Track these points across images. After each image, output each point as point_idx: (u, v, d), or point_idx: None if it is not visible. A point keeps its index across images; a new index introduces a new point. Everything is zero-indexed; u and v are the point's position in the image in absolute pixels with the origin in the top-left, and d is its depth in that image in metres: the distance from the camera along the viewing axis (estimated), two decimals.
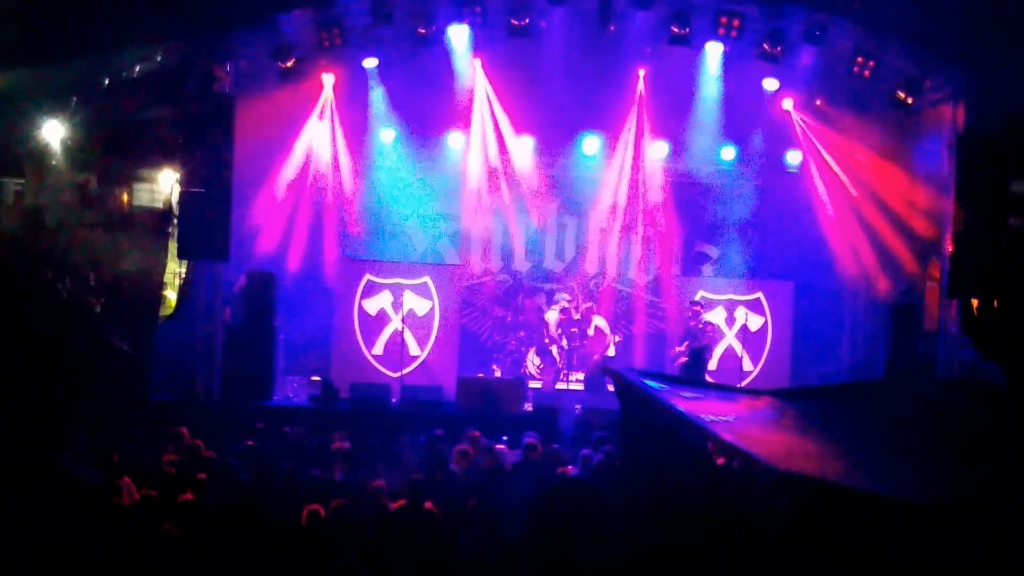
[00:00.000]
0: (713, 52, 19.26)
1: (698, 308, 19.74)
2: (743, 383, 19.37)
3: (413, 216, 21.25)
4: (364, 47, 19.13)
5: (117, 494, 10.44)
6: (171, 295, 19.36)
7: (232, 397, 17.73)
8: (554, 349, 20.46)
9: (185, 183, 17.49)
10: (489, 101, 20.43)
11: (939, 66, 17.97)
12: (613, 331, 21.17)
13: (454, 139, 20.73)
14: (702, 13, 18.10)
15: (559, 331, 20.44)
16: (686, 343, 19.35)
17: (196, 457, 12.68)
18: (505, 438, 15.36)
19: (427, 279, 20.31)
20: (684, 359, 19.18)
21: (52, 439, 12.50)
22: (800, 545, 4.37)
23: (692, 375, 18.39)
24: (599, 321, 20.51)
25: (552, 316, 20.50)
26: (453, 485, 12.11)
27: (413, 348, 19.94)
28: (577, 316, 20.55)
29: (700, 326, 19.49)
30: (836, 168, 20.15)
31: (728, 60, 19.34)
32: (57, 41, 16.45)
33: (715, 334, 20.10)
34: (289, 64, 18.16)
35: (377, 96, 20.05)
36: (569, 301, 20.81)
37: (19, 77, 16.87)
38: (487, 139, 20.69)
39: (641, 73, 20.24)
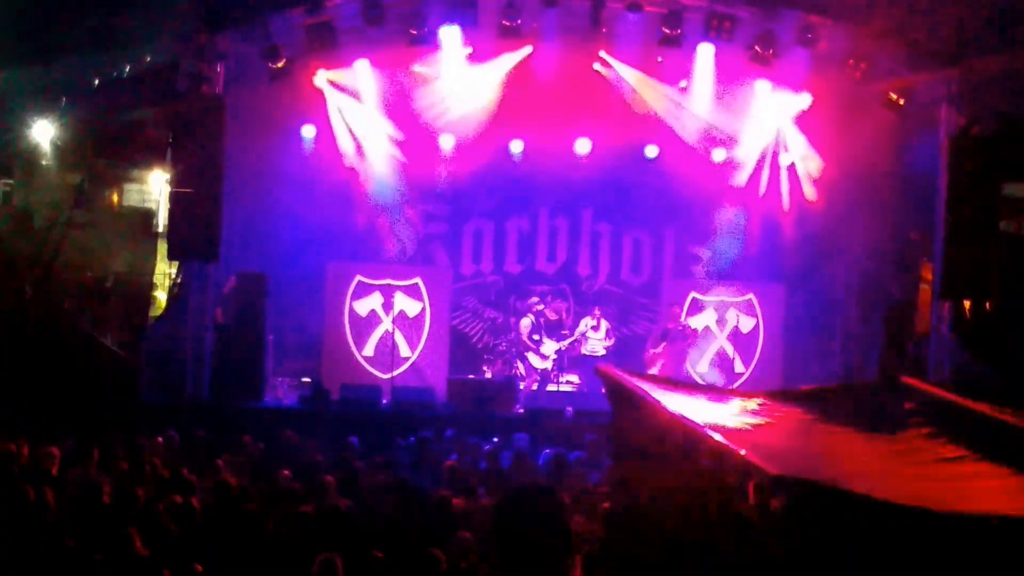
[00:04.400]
0: (705, 54, 19.22)
1: (676, 310, 19.72)
2: (735, 384, 19.34)
3: (404, 217, 21.19)
4: (355, 48, 19.05)
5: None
6: (161, 296, 19.32)
7: (222, 398, 17.67)
8: (531, 356, 20.41)
9: (175, 184, 17.43)
10: (480, 102, 20.35)
11: (931, 68, 17.96)
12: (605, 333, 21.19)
13: (445, 140, 20.66)
14: (693, 15, 18.07)
15: (534, 336, 20.40)
16: (663, 344, 19.30)
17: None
18: (496, 439, 15.32)
19: (418, 280, 20.25)
20: (663, 361, 19.14)
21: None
22: (791, 545, 4.34)
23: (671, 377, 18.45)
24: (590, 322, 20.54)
25: (525, 322, 20.47)
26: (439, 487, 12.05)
27: (404, 349, 19.88)
28: (554, 317, 20.51)
29: (679, 328, 19.47)
30: (827, 170, 20.13)
31: (720, 62, 19.30)
32: (47, 41, 16.40)
33: (693, 337, 20.01)
34: (279, 65, 18.07)
35: (368, 97, 19.96)
36: (546, 303, 20.75)
37: (9, 77, 16.83)
38: (478, 140, 20.60)
39: (633, 74, 20.20)
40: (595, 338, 20.35)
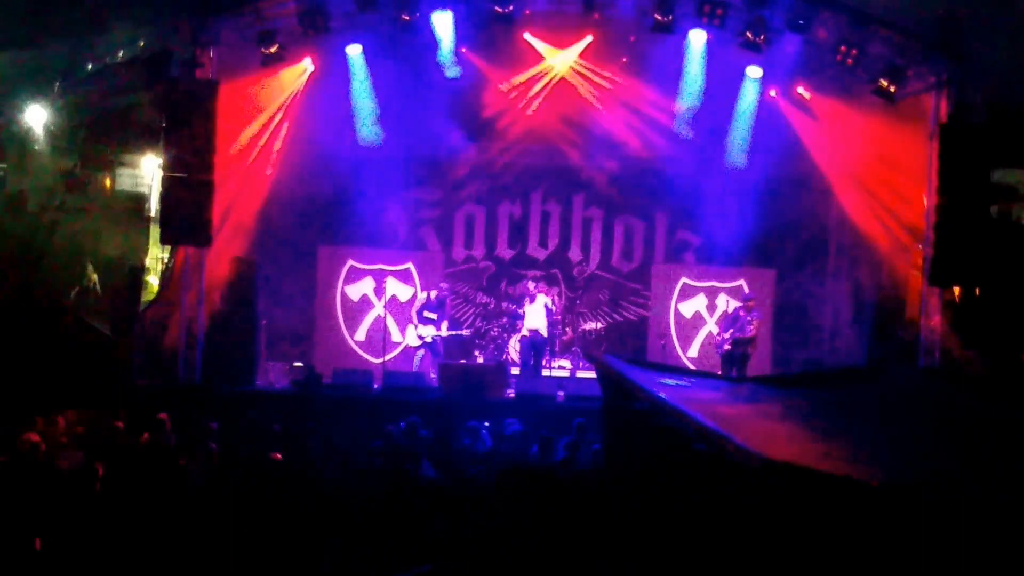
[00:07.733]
0: (696, 39, 19.23)
1: (751, 303, 19.55)
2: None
3: (396, 202, 21.19)
4: (348, 33, 19.04)
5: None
6: (153, 280, 19.33)
7: (214, 382, 17.69)
8: (409, 328, 20.06)
9: (167, 168, 17.43)
10: (472, 88, 20.35)
11: (922, 55, 18.00)
12: (595, 318, 21.19)
13: (437, 125, 20.65)
14: (685, 0, 18.09)
15: (425, 313, 20.16)
16: (731, 331, 19.26)
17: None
18: (487, 424, 15.36)
19: (410, 265, 20.28)
20: (728, 347, 19.07)
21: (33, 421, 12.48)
22: (781, 531, 4.39)
23: (730, 367, 18.49)
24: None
25: (421, 296, 20.21)
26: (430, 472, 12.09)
27: (395, 334, 19.91)
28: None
29: (749, 320, 19.41)
30: (819, 156, 20.17)
31: (711, 48, 19.31)
32: (40, 25, 16.41)
33: (759, 330, 19.81)
34: (272, 50, 18.06)
35: (360, 82, 19.94)
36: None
37: (2, 61, 16.84)
38: (471, 125, 20.60)
39: (624, 60, 20.21)
40: (533, 315, 19.54)
